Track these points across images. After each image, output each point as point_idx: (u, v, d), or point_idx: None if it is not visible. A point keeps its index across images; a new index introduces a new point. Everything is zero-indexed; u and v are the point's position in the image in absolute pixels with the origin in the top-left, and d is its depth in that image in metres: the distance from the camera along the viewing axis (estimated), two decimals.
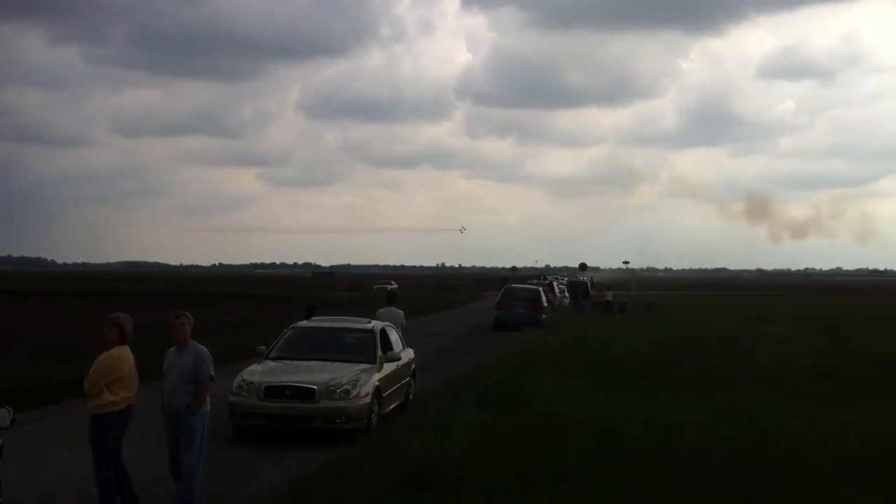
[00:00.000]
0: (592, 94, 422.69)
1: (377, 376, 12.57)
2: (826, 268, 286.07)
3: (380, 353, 13.16)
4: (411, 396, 14.68)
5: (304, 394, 11.67)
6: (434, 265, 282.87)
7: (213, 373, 8.35)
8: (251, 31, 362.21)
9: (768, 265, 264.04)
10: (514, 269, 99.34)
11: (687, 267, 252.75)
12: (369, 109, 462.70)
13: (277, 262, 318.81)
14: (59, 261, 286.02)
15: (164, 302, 38.66)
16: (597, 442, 10.18)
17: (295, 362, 12.76)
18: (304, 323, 14.65)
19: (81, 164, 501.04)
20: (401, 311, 17.36)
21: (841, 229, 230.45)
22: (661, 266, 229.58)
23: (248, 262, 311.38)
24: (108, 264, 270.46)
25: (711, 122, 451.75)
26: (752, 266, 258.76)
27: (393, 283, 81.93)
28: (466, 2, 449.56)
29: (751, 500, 8.19)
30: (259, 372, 12.31)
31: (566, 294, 53.66)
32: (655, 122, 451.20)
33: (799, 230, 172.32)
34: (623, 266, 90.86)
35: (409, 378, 14.62)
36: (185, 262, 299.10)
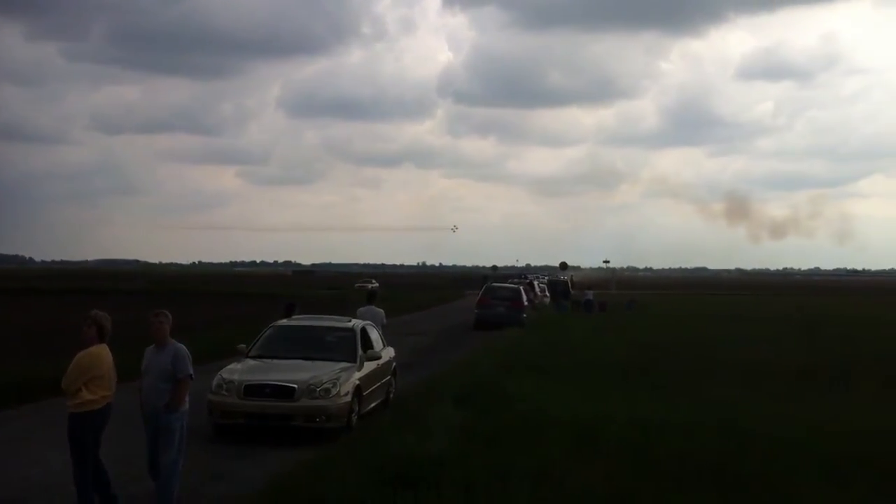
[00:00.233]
0: (574, 93, 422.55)
1: (358, 375, 12.55)
2: (804, 267, 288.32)
3: (360, 351, 13.14)
4: (392, 395, 14.67)
5: (284, 392, 11.63)
6: (415, 264, 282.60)
7: (192, 371, 8.32)
8: (231, 28, 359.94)
9: (748, 265, 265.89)
10: (494, 268, 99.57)
11: (667, 266, 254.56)
12: (350, 108, 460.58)
13: (258, 261, 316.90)
14: (38, 258, 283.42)
15: (143, 300, 38.41)
16: (577, 441, 10.23)
17: (275, 361, 12.72)
18: (285, 321, 14.60)
19: (60, 161, 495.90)
20: (381, 310, 17.36)
21: (820, 229, 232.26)
22: (641, 265, 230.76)
23: (227, 261, 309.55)
24: (87, 262, 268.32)
25: (691, 123, 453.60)
26: (731, 266, 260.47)
27: (374, 281, 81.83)
28: (448, 1, 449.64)
29: (730, 498, 8.25)
30: (239, 370, 12.27)
31: (546, 293, 53.77)
32: (636, 122, 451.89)
33: (778, 230, 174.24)
34: (603, 265, 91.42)
35: (389, 377, 14.61)
36: (165, 260, 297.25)
